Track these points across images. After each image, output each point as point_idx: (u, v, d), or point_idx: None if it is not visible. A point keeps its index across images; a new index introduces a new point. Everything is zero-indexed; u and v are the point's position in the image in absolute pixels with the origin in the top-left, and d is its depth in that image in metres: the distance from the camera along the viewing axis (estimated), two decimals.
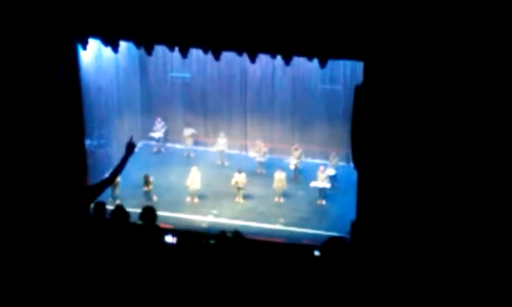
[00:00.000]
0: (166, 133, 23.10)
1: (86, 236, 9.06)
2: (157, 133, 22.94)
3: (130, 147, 8.98)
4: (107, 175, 9.47)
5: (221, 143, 22.41)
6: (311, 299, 7.90)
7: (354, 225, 16.57)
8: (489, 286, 9.89)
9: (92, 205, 10.33)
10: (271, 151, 22.21)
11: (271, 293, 8.03)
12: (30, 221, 11.89)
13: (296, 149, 21.56)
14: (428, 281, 10.09)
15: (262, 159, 21.86)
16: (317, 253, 11.05)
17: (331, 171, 20.89)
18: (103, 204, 12.13)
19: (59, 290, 8.11)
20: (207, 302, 7.97)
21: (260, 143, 22.01)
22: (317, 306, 7.81)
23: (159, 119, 22.92)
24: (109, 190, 19.30)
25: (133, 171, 21.22)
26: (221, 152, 22.39)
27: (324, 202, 19.97)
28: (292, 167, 21.37)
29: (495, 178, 15.14)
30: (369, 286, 8.46)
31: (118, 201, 19.13)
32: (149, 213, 10.84)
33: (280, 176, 20.06)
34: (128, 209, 10.94)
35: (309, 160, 21.82)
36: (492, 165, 15.17)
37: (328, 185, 20.07)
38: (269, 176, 20.51)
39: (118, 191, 19.55)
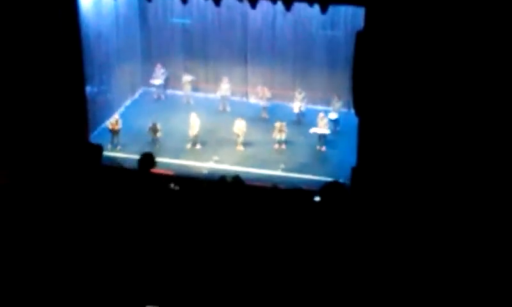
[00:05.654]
0: (166, 80, 22.98)
1: (87, 183, 9.11)
2: (158, 80, 22.78)
3: None
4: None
5: (224, 89, 22.25)
6: (310, 243, 8.00)
7: (355, 171, 16.66)
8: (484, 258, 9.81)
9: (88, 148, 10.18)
10: (273, 97, 22.12)
11: (271, 237, 8.12)
12: (33, 169, 11.92)
13: (300, 93, 21.49)
14: (424, 227, 10.16)
15: (265, 103, 21.83)
16: (317, 198, 11.14)
17: (334, 115, 20.86)
18: (100, 148, 11.88)
19: (62, 242, 8.18)
20: (207, 247, 8.07)
21: (263, 88, 21.94)
22: (316, 250, 7.91)
23: (159, 65, 22.74)
24: (108, 137, 19.33)
25: (133, 118, 21.28)
26: (224, 97, 22.28)
27: (324, 148, 19.99)
28: (296, 110, 21.34)
29: (491, 140, 15.12)
30: (368, 232, 8.55)
31: (118, 148, 19.20)
32: (147, 159, 10.70)
33: (280, 127, 19.94)
34: (130, 156, 10.86)
35: (310, 106, 21.73)
36: (488, 126, 15.13)
37: (327, 131, 20.06)
38: (271, 122, 20.47)
39: (118, 138, 19.50)
